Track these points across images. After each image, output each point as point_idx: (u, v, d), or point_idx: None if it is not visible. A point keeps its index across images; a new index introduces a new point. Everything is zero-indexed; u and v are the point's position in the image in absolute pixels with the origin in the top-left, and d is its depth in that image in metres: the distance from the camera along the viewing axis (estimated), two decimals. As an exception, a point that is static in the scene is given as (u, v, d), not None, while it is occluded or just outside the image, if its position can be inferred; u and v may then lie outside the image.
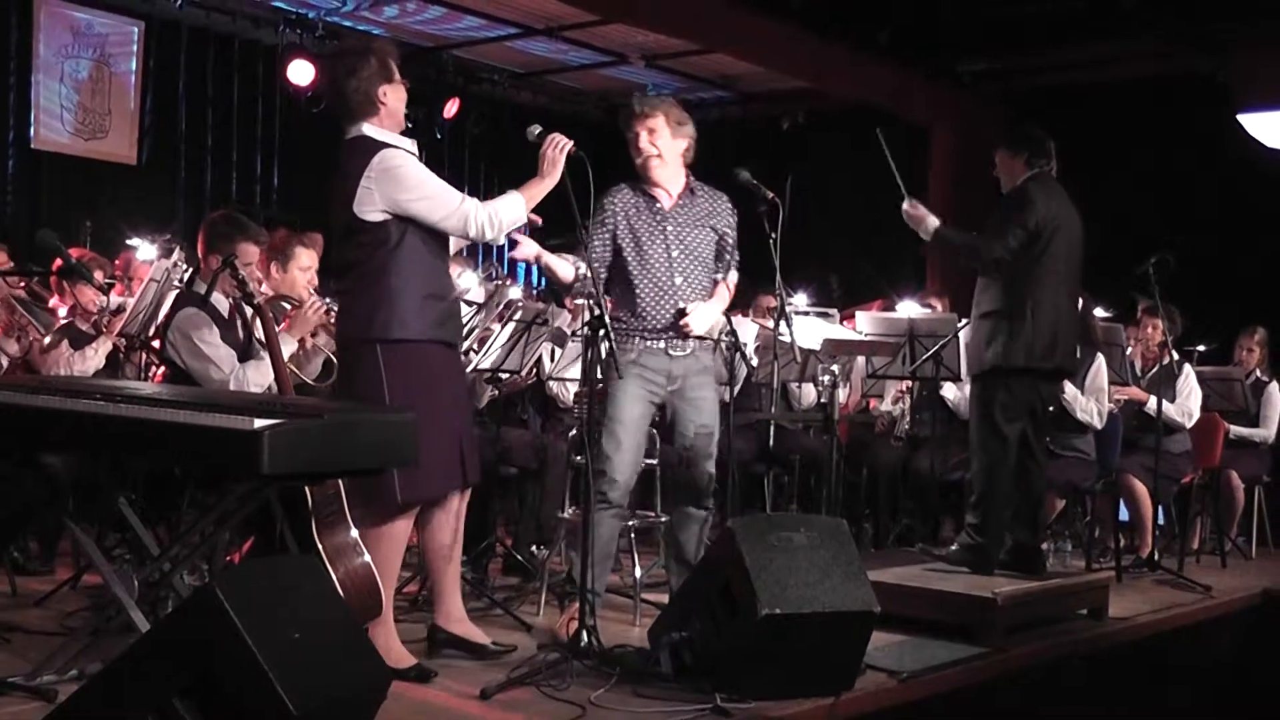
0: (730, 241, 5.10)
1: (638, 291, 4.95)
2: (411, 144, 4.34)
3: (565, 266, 4.86)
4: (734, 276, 5.17)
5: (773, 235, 4.99)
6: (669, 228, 4.98)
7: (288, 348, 4.99)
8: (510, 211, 4.32)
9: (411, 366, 4.17)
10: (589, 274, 4.65)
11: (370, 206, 4.18)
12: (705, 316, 4.96)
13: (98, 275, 6.20)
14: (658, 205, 4.99)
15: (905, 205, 5.77)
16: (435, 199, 4.21)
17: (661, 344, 4.95)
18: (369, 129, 4.29)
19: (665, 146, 4.95)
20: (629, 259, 4.95)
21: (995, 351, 5.55)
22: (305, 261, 5.48)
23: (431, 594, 4.64)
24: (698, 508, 5.09)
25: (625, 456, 4.89)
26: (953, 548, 5.79)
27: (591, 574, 4.57)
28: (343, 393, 4.39)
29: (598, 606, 4.91)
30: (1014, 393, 5.60)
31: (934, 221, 5.76)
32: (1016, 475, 5.74)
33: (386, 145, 4.25)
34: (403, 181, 4.18)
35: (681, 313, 4.90)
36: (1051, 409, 5.98)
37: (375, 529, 4.30)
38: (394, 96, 4.31)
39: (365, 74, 4.26)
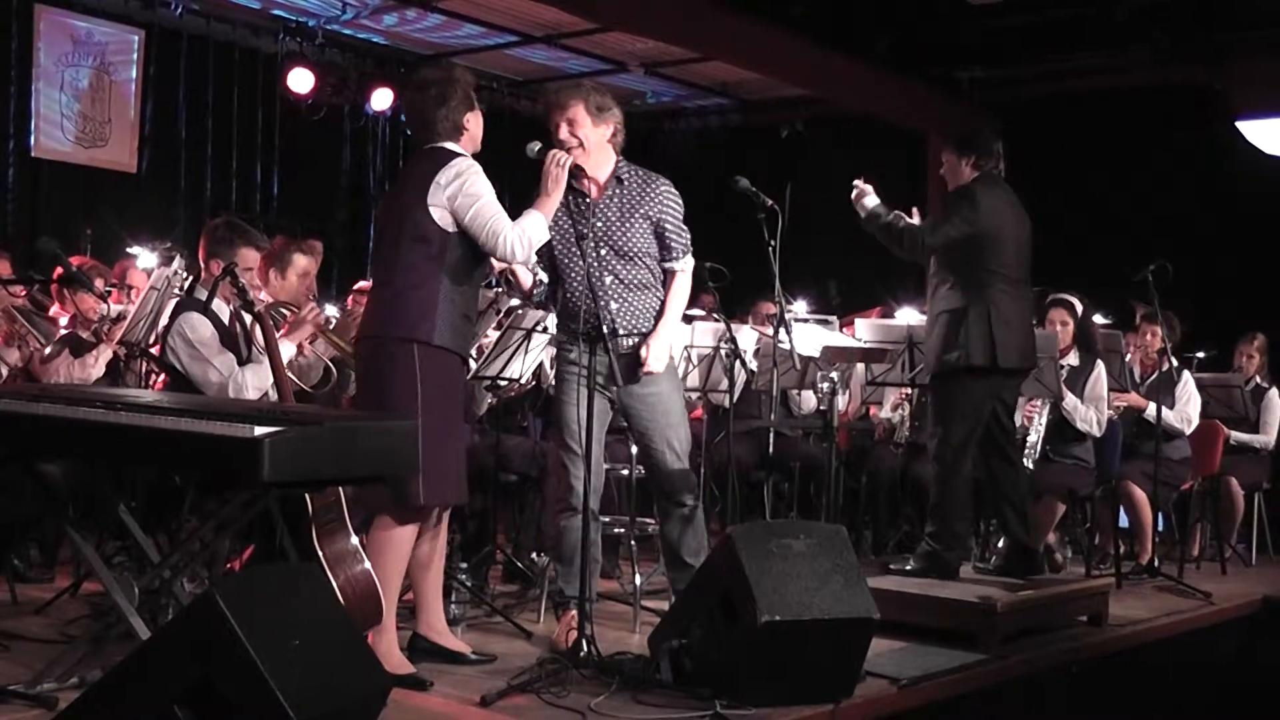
0: (670, 225, 4.83)
1: (569, 293, 4.80)
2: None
3: (525, 274, 4.79)
4: (688, 263, 4.91)
5: (772, 243, 5.00)
6: (598, 224, 4.76)
7: (286, 353, 5.01)
8: (538, 232, 4.38)
9: (442, 374, 4.27)
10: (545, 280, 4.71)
11: (438, 205, 4.28)
12: (661, 349, 4.79)
13: (98, 283, 6.21)
14: (585, 200, 4.79)
15: (856, 181, 5.75)
16: (485, 208, 4.28)
17: (609, 342, 4.60)
18: (450, 146, 4.41)
19: (586, 135, 4.72)
20: (560, 260, 4.79)
21: (955, 354, 5.54)
22: (303, 268, 5.50)
23: (414, 602, 4.64)
24: (678, 505, 4.95)
25: (580, 461, 4.69)
26: (912, 559, 5.77)
27: (562, 580, 4.70)
28: (370, 388, 4.38)
29: (573, 608, 4.78)
30: (971, 395, 5.59)
31: (873, 201, 5.72)
32: (990, 480, 5.75)
33: (461, 155, 4.38)
34: (467, 184, 4.28)
35: (636, 358, 4.76)
36: (1011, 406, 5.94)
37: (385, 533, 4.31)
38: (475, 123, 4.47)
39: (454, 102, 4.39)
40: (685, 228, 4.89)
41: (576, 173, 4.63)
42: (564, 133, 4.74)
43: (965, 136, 5.84)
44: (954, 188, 5.77)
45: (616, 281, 4.79)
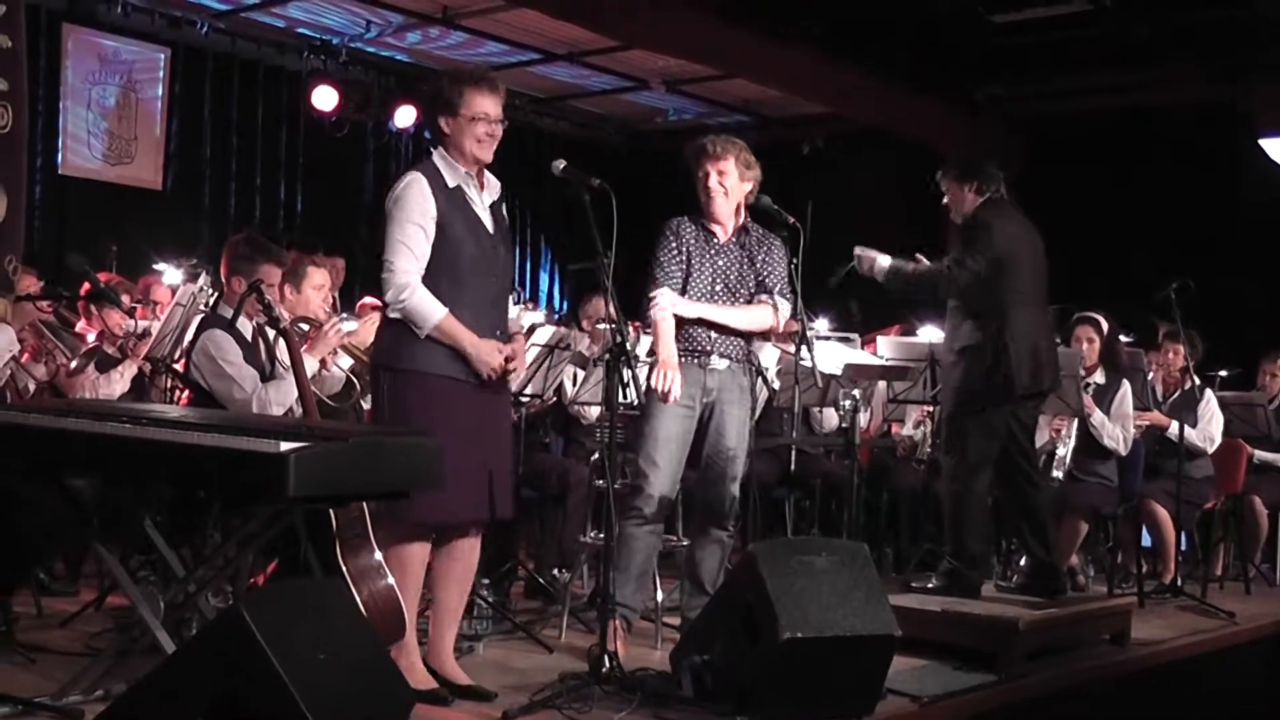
0: (772, 276, 5.14)
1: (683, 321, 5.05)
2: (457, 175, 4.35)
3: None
4: (784, 305, 5.17)
5: (794, 260, 5.03)
6: (720, 261, 5.11)
7: (310, 368, 5.03)
8: (423, 315, 4.19)
9: (417, 395, 4.20)
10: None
11: None
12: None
13: (124, 299, 6.26)
14: (714, 240, 5.11)
15: (856, 250, 5.73)
16: (389, 233, 4.26)
17: (696, 360, 5.02)
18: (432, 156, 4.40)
19: (731, 186, 5.07)
20: (686, 285, 5.08)
21: (980, 387, 5.51)
22: (318, 280, 5.52)
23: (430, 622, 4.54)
24: (719, 529, 5.11)
25: (662, 473, 4.97)
26: (934, 578, 5.76)
27: (617, 588, 4.66)
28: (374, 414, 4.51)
29: (633, 623, 5.06)
30: (991, 421, 5.58)
31: (885, 260, 5.70)
32: (1012, 498, 5.74)
33: (408, 173, 4.35)
34: (390, 206, 4.32)
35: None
36: (1029, 426, 5.91)
37: (389, 549, 4.33)
38: (455, 126, 4.33)
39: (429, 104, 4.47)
40: (790, 286, 5.17)
41: (707, 216, 5.07)
42: (713, 180, 5.07)
43: (965, 164, 5.81)
44: (960, 216, 5.75)
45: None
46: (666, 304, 4.98)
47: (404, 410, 4.20)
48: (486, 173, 4.42)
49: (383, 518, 4.36)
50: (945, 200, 5.83)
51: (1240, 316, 9.28)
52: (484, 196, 4.38)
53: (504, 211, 4.52)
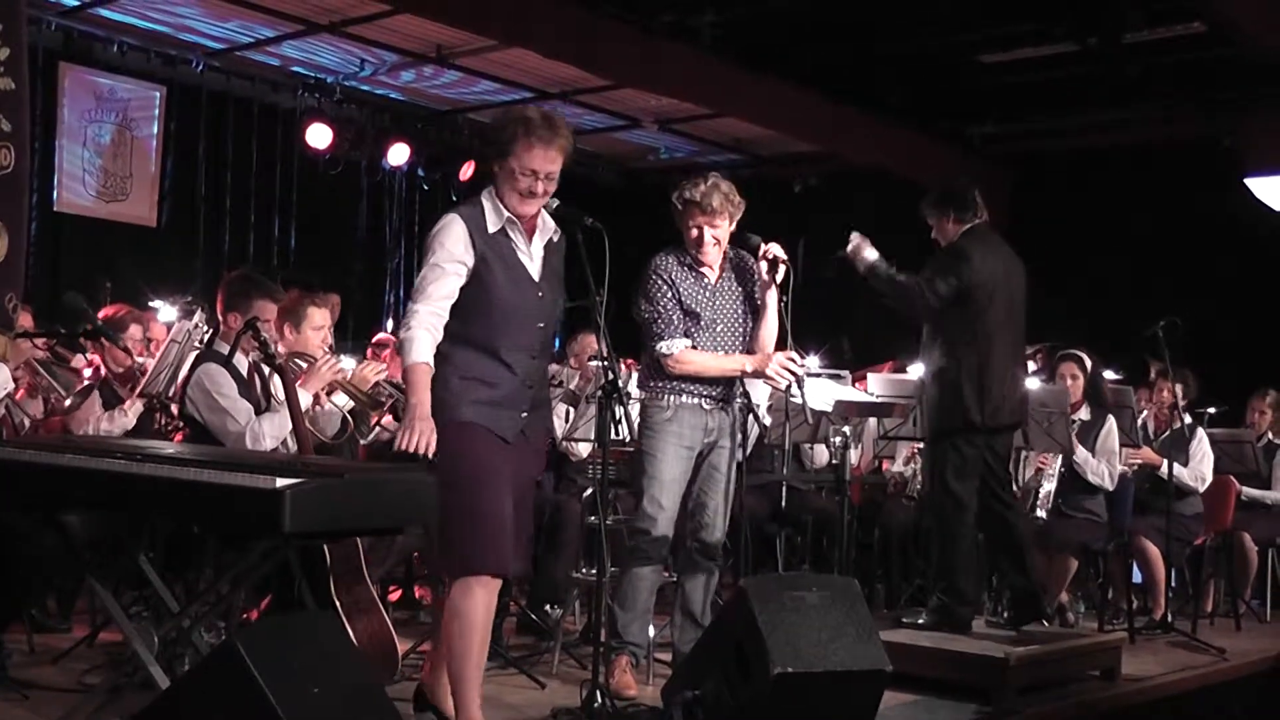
0: (758, 294, 5.18)
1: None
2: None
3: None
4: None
5: (784, 298, 5.06)
6: (718, 301, 5.12)
7: (304, 403, 5.05)
8: (405, 353, 4.05)
9: (452, 445, 4.02)
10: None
11: None
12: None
13: (134, 329, 6.28)
14: (705, 281, 5.11)
15: (853, 236, 5.76)
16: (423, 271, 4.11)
17: (697, 400, 5.04)
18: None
19: (722, 237, 5.09)
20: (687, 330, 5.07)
21: (949, 414, 5.58)
22: (318, 321, 5.55)
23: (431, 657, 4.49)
24: (706, 558, 5.14)
25: (667, 514, 5.02)
26: (925, 614, 5.77)
27: (621, 625, 4.73)
28: None
29: (640, 659, 5.12)
30: (964, 453, 5.62)
31: (873, 254, 5.72)
32: (991, 527, 5.76)
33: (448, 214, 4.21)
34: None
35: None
36: (1003, 455, 5.94)
37: (462, 603, 4.07)
38: (502, 169, 4.17)
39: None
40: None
41: (695, 259, 5.07)
42: (707, 235, 5.04)
43: (941, 195, 5.83)
44: (945, 246, 5.80)
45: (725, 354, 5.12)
46: (687, 356, 4.98)
47: (452, 460, 3.99)
48: (543, 213, 4.24)
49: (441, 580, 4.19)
50: (933, 233, 5.88)
51: (1228, 353, 9.33)
52: (535, 240, 4.21)
53: (556, 253, 4.32)
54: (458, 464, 4.00)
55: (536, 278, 4.19)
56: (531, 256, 4.20)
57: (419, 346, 4.00)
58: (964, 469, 5.62)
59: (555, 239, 4.28)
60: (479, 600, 4.05)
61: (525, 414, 4.17)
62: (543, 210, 4.21)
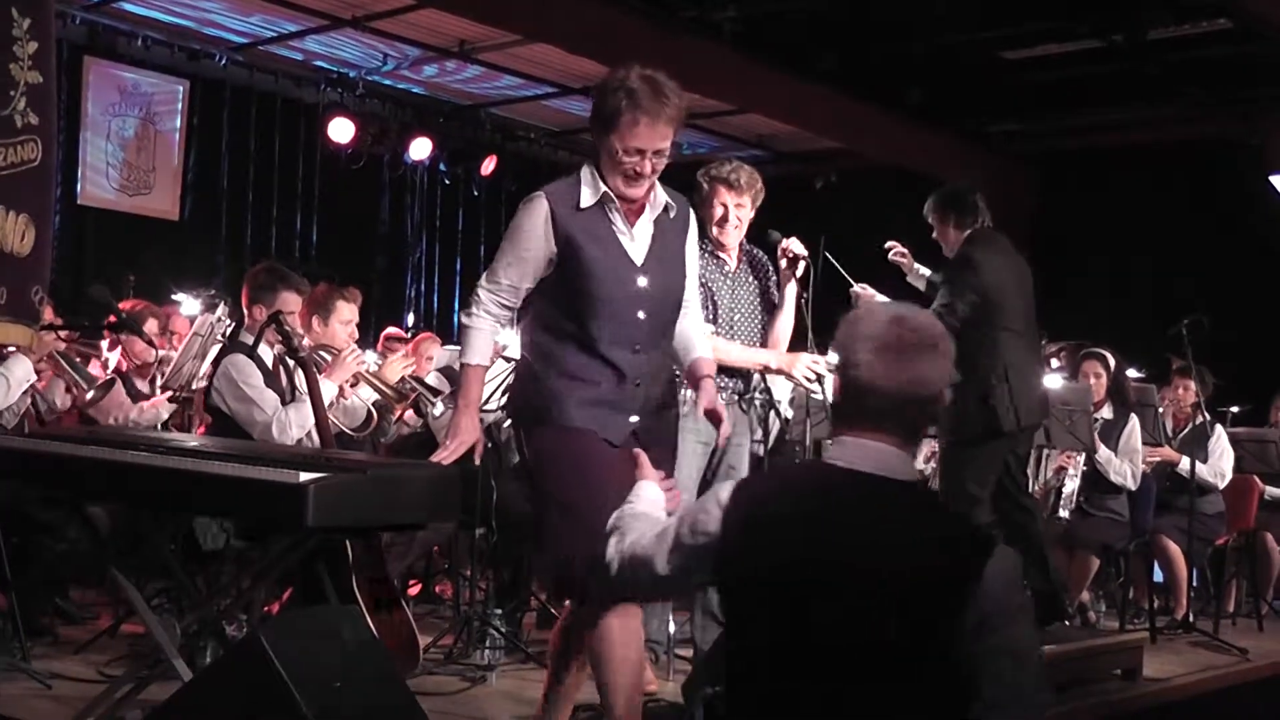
0: (773, 289, 5.17)
1: None
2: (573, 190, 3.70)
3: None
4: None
5: (805, 295, 5.05)
6: (737, 290, 5.09)
7: (327, 394, 5.06)
8: (463, 346, 3.77)
9: (543, 445, 3.69)
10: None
11: None
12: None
13: (152, 323, 6.31)
14: (725, 267, 5.08)
15: (896, 246, 5.87)
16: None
17: (720, 396, 4.96)
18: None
19: (745, 219, 5.07)
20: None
21: (972, 421, 5.51)
22: (346, 315, 5.57)
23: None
24: None
25: None
26: None
27: (651, 625, 4.82)
28: None
29: (659, 655, 5.19)
30: (990, 455, 5.59)
31: (924, 270, 5.89)
32: (1009, 528, 5.74)
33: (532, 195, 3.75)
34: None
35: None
36: (1023, 456, 5.98)
37: (607, 629, 3.59)
38: (603, 144, 3.68)
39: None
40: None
41: (716, 243, 5.00)
42: (731, 214, 5.00)
43: (942, 200, 5.83)
44: (949, 250, 5.77)
45: (740, 343, 5.09)
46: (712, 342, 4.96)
47: (561, 470, 3.60)
48: (657, 187, 3.71)
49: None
50: (934, 234, 5.87)
51: (1252, 352, 9.29)
52: (641, 219, 3.69)
53: (673, 230, 3.78)
54: (567, 476, 3.57)
55: (639, 261, 3.66)
56: (633, 237, 3.67)
57: (476, 346, 3.71)
58: (985, 473, 5.59)
59: (673, 215, 3.76)
60: (617, 637, 3.56)
61: (635, 418, 3.67)
62: (658, 184, 3.71)
